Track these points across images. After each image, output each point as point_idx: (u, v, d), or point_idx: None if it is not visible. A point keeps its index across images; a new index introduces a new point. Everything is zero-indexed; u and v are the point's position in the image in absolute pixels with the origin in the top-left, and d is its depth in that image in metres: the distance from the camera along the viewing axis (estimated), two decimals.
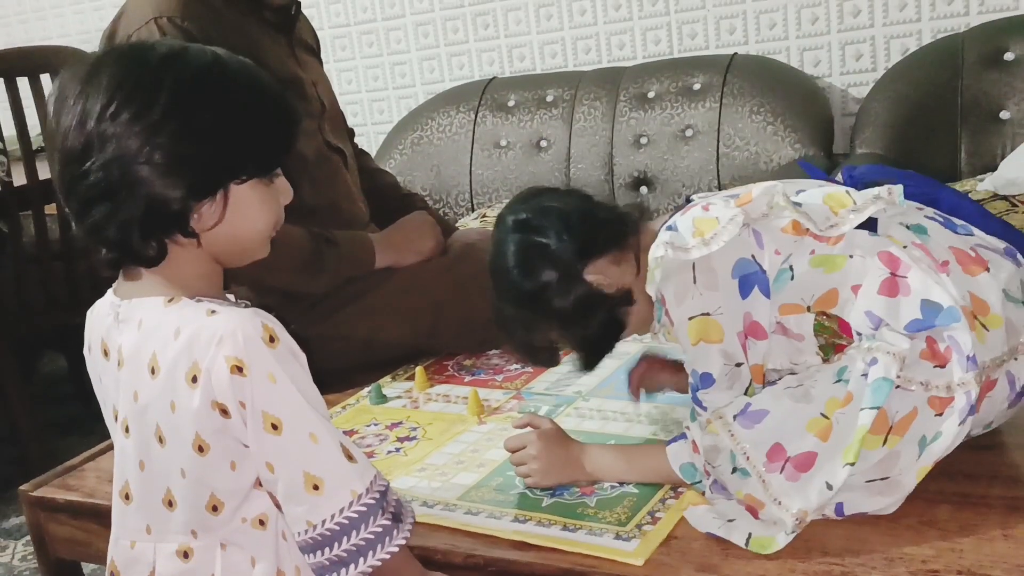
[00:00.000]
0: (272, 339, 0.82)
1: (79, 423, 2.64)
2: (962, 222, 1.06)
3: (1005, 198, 1.78)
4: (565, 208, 1.08)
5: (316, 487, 0.83)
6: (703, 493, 1.04)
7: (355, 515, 0.85)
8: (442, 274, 1.58)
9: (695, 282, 1.00)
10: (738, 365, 1.01)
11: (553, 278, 1.05)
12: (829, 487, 0.93)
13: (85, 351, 0.95)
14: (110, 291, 0.91)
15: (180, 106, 0.81)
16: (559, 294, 1.06)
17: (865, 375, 0.94)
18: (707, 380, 1.01)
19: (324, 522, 0.84)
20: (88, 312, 0.94)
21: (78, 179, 0.80)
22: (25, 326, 2.35)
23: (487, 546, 1.03)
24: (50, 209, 2.32)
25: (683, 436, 1.06)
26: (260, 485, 0.87)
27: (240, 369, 0.80)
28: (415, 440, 1.31)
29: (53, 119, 0.83)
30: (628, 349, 1.49)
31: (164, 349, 0.84)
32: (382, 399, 1.45)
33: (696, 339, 1.00)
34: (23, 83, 2.27)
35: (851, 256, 0.99)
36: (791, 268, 1.01)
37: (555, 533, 1.03)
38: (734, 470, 0.98)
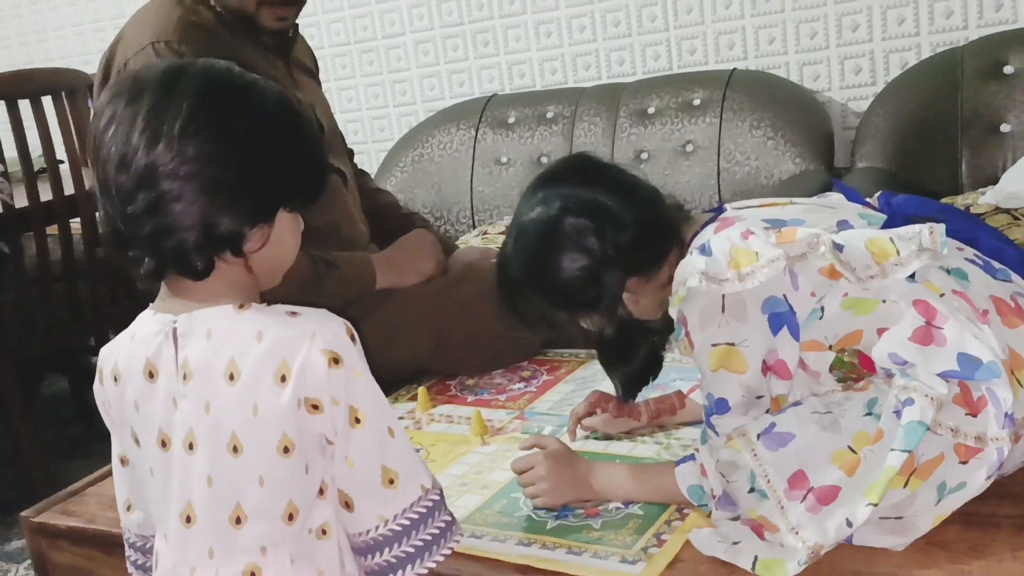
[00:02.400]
0: (353, 337, 0.86)
1: (82, 445, 2.63)
2: (1001, 266, 1.03)
3: (1007, 211, 1.78)
4: (622, 217, 1.03)
5: (391, 481, 0.86)
6: (709, 514, 1.03)
7: (423, 510, 0.87)
8: (443, 294, 1.58)
9: (723, 311, 0.97)
10: (759, 398, 0.99)
11: (593, 297, 1.04)
12: (849, 524, 0.92)
13: (106, 384, 0.92)
14: (148, 313, 0.90)
15: (254, 136, 0.85)
16: (598, 315, 1.05)
17: (897, 412, 0.92)
18: (723, 406, 0.99)
19: (396, 516, 0.87)
20: (107, 347, 0.93)
21: (141, 187, 0.82)
22: (27, 348, 2.34)
23: (491, 570, 1.03)
24: (52, 230, 2.32)
25: (692, 457, 1.05)
26: (322, 493, 0.88)
27: (337, 361, 0.83)
28: None
29: (117, 124, 0.83)
30: None
31: (244, 353, 0.84)
32: None
33: (717, 366, 0.98)
34: (24, 105, 2.28)
35: (884, 301, 0.97)
36: (822, 309, 0.98)
37: (560, 556, 1.02)
38: (751, 490, 0.96)
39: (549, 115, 2.55)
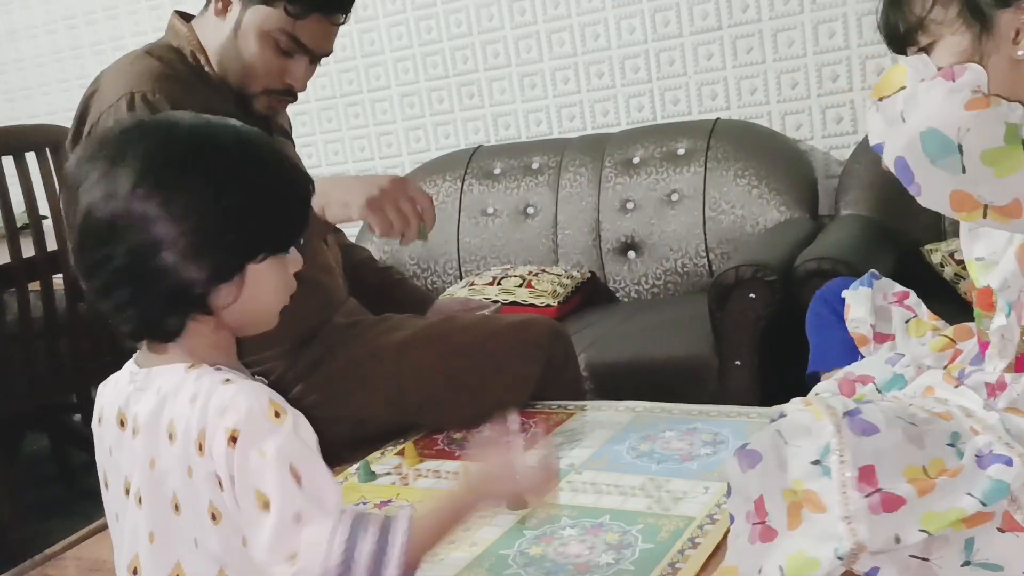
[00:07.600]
0: (277, 414, 0.83)
1: (61, 505, 2.58)
2: None
3: None
4: None
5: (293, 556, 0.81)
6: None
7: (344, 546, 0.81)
8: (427, 348, 1.55)
9: None
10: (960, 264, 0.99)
11: None
12: (897, 540, 0.89)
13: (94, 423, 0.94)
14: (131, 361, 0.91)
15: (210, 191, 0.82)
16: None
17: (979, 456, 0.91)
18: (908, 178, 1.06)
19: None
20: (103, 384, 0.94)
21: (102, 262, 0.82)
22: (7, 406, 2.30)
23: None
24: (34, 286, 2.30)
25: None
26: None
27: (235, 440, 0.81)
28: None
29: (73, 193, 0.83)
30: (620, 419, 1.47)
31: (181, 415, 0.84)
32: (371, 476, 1.42)
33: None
34: (8, 161, 2.27)
35: None
36: None
37: None
38: (815, 462, 0.92)
39: (535, 166, 2.56)
